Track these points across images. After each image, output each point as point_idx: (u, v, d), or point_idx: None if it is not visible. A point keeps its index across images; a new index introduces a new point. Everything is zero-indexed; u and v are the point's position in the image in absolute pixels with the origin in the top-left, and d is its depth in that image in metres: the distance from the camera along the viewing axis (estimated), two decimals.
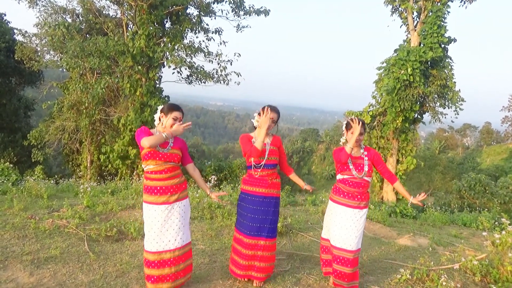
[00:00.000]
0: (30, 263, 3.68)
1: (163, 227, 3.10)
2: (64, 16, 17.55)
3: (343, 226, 3.43)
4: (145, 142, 2.91)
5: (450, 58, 14.44)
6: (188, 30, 16.19)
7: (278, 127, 3.68)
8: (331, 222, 3.55)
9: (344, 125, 3.52)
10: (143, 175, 3.29)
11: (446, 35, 13.76)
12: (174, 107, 3.16)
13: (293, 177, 3.82)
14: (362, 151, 3.51)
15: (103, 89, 14.42)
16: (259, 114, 3.54)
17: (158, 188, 3.09)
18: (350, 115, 15.67)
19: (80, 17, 17.77)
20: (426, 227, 7.57)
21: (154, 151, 3.05)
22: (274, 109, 3.51)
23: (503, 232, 4.21)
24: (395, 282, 3.88)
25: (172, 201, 3.12)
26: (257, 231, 3.47)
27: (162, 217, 3.09)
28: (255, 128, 3.61)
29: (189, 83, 17.73)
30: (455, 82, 14.10)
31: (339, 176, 3.52)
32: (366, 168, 3.41)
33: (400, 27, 15.90)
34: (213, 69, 16.78)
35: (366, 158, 3.46)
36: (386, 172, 3.56)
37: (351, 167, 3.42)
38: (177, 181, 3.17)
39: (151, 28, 14.81)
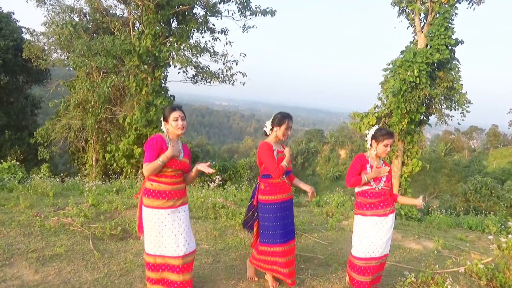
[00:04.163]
0: (35, 260, 3.70)
1: (172, 232, 3.07)
2: (72, 15, 17.68)
3: (375, 236, 3.39)
4: (145, 172, 2.95)
5: (457, 60, 14.34)
6: (194, 30, 16.22)
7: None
8: (358, 236, 3.47)
9: (370, 135, 3.44)
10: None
11: (454, 36, 13.66)
12: (171, 109, 3.09)
13: (296, 182, 3.71)
14: (381, 162, 3.46)
15: (109, 88, 14.50)
16: (275, 124, 3.44)
17: (167, 192, 3.05)
18: (355, 117, 15.62)
19: (87, 16, 17.89)
20: (431, 230, 7.52)
21: (172, 159, 3.02)
22: (290, 117, 3.46)
23: (510, 236, 4.17)
24: (399, 285, 3.85)
25: (178, 205, 3.11)
26: (288, 235, 3.51)
27: (169, 221, 3.06)
28: (266, 135, 3.54)
29: (195, 83, 17.78)
30: (462, 84, 13.99)
31: (356, 189, 3.47)
32: (384, 179, 3.39)
33: (407, 28, 15.82)
34: (219, 69, 16.82)
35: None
36: (391, 189, 3.55)
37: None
38: (182, 186, 3.18)
39: (158, 27, 14.86)
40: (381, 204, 3.38)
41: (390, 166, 3.54)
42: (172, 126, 3.06)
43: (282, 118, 3.43)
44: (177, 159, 3.06)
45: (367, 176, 3.34)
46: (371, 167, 3.40)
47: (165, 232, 3.07)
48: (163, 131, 3.16)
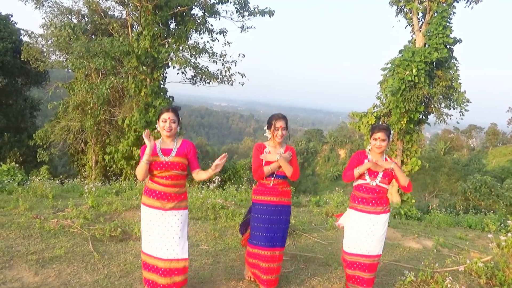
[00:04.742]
0: (35, 262, 3.70)
1: (158, 233, 3.06)
2: (70, 17, 17.67)
3: (360, 232, 3.37)
4: (137, 177, 3.03)
5: (456, 59, 14.36)
6: (192, 31, 16.22)
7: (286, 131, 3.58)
8: (346, 228, 3.49)
9: (370, 131, 3.47)
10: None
11: (452, 35, 13.68)
12: (165, 109, 3.11)
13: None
14: (383, 159, 3.41)
15: (108, 90, 14.49)
16: (267, 127, 3.48)
17: (157, 192, 3.06)
18: (354, 116, 15.63)
19: (86, 18, 17.89)
20: (431, 229, 7.53)
21: (155, 162, 3.01)
22: (279, 116, 3.46)
23: (509, 234, 4.18)
24: (399, 284, 3.86)
25: (167, 209, 3.06)
26: (271, 241, 3.44)
27: (156, 221, 3.06)
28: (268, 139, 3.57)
29: (194, 84, 17.77)
30: (460, 83, 14.01)
31: (354, 182, 3.47)
32: (380, 175, 3.33)
33: (405, 27, 15.85)
34: (218, 69, 16.82)
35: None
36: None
37: (365, 171, 3.37)
38: (176, 190, 3.10)
39: (156, 28, 14.86)
40: (373, 201, 3.34)
41: (394, 161, 3.46)
42: (159, 126, 3.10)
43: (270, 120, 3.49)
44: (157, 160, 3.01)
45: (359, 168, 3.32)
46: (369, 161, 3.40)
47: (153, 232, 3.08)
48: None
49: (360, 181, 3.40)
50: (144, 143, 3.01)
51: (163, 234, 3.07)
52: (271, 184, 3.47)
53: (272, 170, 3.40)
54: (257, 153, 3.48)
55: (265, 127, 3.54)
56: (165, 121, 3.06)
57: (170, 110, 3.10)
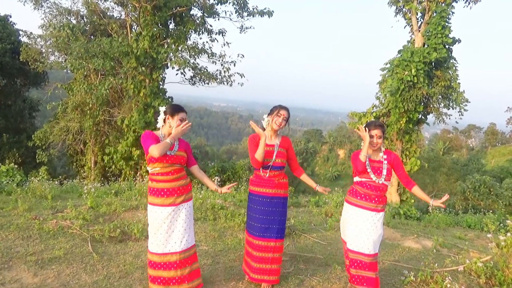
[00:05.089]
0: (34, 263, 3.70)
1: (170, 228, 3.11)
2: (69, 18, 17.64)
3: (361, 229, 3.37)
4: (154, 152, 2.88)
5: (455, 59, 14.38)
6: (191, 31, 16.21)
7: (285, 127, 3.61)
8: (347, 225, 3.49)
9: (365, 128, 3.45)
10: (147, 177, 3.28)
11: (451, 35, 13.70)
12: (180, 108, 3.17)
13: (304, 178, 3.73)
14: (381, 154, 3.42)
15: (107, 90, 14.47)
16: (269, 114, 3.51)
17: (165, 190, 3.10)
18: (353, 116, 15.63)
19: (85, 19, 17.87)
20: (430, 228, 7.53)
21: (163, 155, 3.04)
22: (284, 107, 3.48)
23: (508, 234, 4.19)
24: (399, 284, 3.86)
25: (178, 203, 3.14)
26: (266, 232, 3.46)
27: (168, 219, 3.10)
28: (264, 129, 3.57)
29: (193, 84, 17.76)
30: (459, 83, 14.02)
31: (356, 179, 3.46)
32: (384, 172, 3.34)
33: (404, 27, 15.87)
34: (217, 70, 16.82)
35: (386, 162, 3.38)
36: (405, 177, 3.45)
37: (369, 170, 3.36)
38: (183, 183, 3.19)
39: (155, 29, 14.85)
40: (376, 199, 3.35)
41: (392, 154, 3.47)
42: (175, 124, 3.10)
43: (273, 108, 3.51)
44: (166, 154, 3.05)
45: (362, 152, 3.28)
46: (369, 159, 3.40)
47: (164, 229, 3.10)
48: (158, 122, 3.21)
49: (364, 178, 3.39)
50: (148, 129, 3.00)
51: (175, 228, 3.13)
52: (266, 176, 3.48)
53: (260, 150, 3.34)
54: (251, 144, 3.48)
55: (265, 115, 3.54)
56: (183, 120, 3.12)
57: (185, 110, 3.20)
